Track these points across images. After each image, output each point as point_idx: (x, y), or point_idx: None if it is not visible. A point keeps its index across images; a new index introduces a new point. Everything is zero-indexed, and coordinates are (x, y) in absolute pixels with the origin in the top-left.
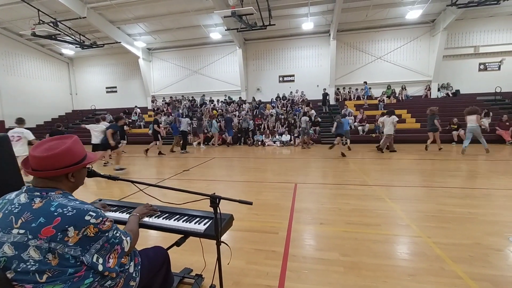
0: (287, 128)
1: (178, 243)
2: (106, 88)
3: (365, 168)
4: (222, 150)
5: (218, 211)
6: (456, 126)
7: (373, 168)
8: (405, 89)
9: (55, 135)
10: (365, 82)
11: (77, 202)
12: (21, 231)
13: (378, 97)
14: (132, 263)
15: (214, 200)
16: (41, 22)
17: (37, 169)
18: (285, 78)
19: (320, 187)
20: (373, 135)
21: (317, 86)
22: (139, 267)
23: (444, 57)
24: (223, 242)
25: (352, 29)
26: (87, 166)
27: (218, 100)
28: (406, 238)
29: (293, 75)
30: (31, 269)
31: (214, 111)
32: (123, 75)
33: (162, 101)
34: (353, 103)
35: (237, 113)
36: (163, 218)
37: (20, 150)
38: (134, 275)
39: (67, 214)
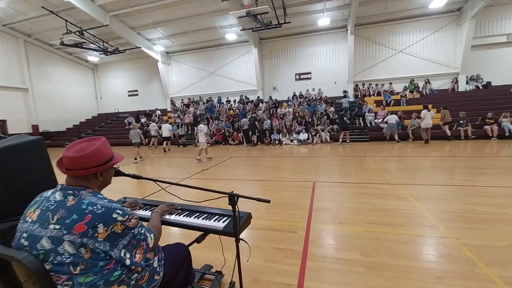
0: (304, 127)
1: (198, 240)
2: (128, 91)
3: (386, 166)
4: (239, 150)
5: (237, 209)
6: (492, 121)
7: (395, 166)
8: (429, 83)
9: None
10: (388, 91)
11: (105, 200)
12: (57, 227)
13: (400, 92)
14: (156, 258)
15: (232, 198)
16: (68, 31)
17: (70, 169)
18: (302, 76)
19: (339, 186)
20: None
21: (335, 83)
22: (162, 262)
23: (472, 47)
24: (241, 239)
25: (371, 22)
26: (114, 166)
27: (234, 101)
28: (432, 239)
29: (310, 73)
30: (66, 261)
31: (231, 111)
32: (144, 79)
33: (181, 102)
34: (373, 99)
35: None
36: (184, 216)
37: (201, 139)
38: (158, 269)
39: (97, 212)
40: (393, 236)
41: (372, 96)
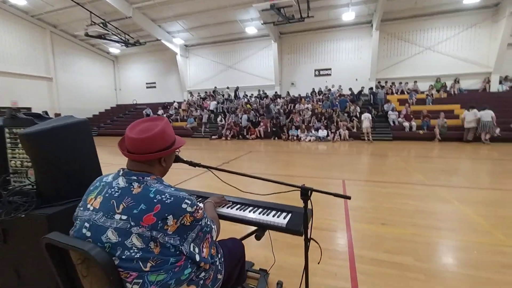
0: (324, 124)
1: (257, 236)
2: (146, 83)
3: (418, 166)
4: (257, 144)
5: (309, 205)
6: None
7: (427, 167)
8: (458, 82)
9: None
10: (412, 90)
11: (172, 188)
12: (124, 217)
13: (426, 91)
14: (219, 255)
15: (306, 192)
16: (92, 23)
17: (132, 152)
18: (321, 72)
19: (371, 184)
20: (421, 131)
21: (356, 80)
22: (222, 260)
23: (509, 45)
24: (312, 239)
25: (398, 18)
26: (176, 151)
27: (252, 95)
28: (493, 247)
29: (330, 69)
30: (135, 256)
31: (248, 105)
32: (162, 71)
33: (198, 95)
34: (397, 97)
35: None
36: (237, 209)
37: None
38: (219, 267)
39: (166, 201)
40: (447, 242)
41: (395, 95)
